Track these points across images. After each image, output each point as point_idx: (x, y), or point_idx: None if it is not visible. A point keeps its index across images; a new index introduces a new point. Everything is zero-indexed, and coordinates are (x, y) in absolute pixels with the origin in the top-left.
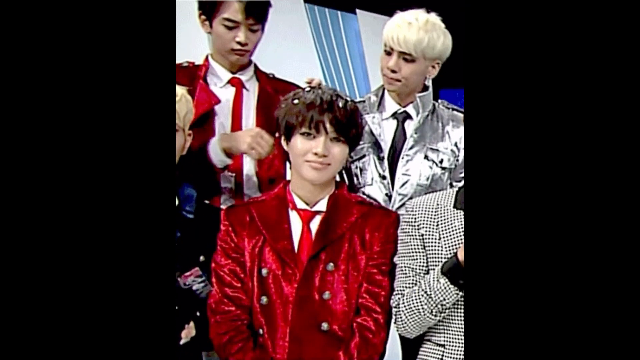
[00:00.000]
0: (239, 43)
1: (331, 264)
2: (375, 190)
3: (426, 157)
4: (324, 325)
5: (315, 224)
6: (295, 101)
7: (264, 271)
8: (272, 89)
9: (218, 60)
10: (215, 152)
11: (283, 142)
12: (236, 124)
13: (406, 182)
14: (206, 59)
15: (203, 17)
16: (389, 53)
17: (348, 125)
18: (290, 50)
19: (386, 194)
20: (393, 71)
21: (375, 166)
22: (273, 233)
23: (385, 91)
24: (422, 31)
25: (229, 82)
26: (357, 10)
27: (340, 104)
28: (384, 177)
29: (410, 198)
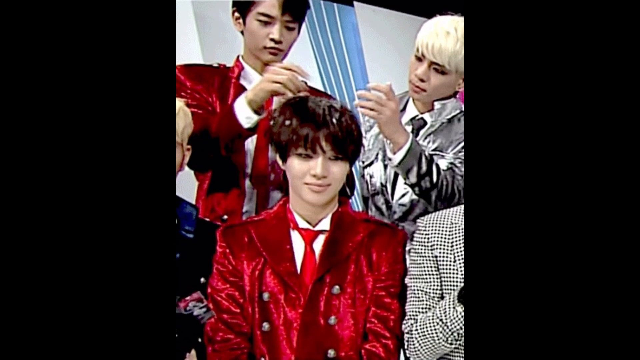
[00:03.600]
0: (272, 40)
1: (337, 287)
2: (379, 198)
3: None
4: (331, 353)
5: (318, 245)
6: (287, 122)
7: (265, 295)
8: None
9: (249, 62)
10: (241, 107)
11: (279, 161)
12: (261, 129)
13: (406, 193)
14: (237, 59)
15: (237, 14)
16: (419, 59)
17: (346, 141)
18: None
19: (387, 204)
20: (421, 80)
21: (381, 174)
22: (274, 255)
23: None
24: (459, 43)
25: None
26: (355, 3)
27: (335, 120)
28: (384, 186)
29: (410, 209)
